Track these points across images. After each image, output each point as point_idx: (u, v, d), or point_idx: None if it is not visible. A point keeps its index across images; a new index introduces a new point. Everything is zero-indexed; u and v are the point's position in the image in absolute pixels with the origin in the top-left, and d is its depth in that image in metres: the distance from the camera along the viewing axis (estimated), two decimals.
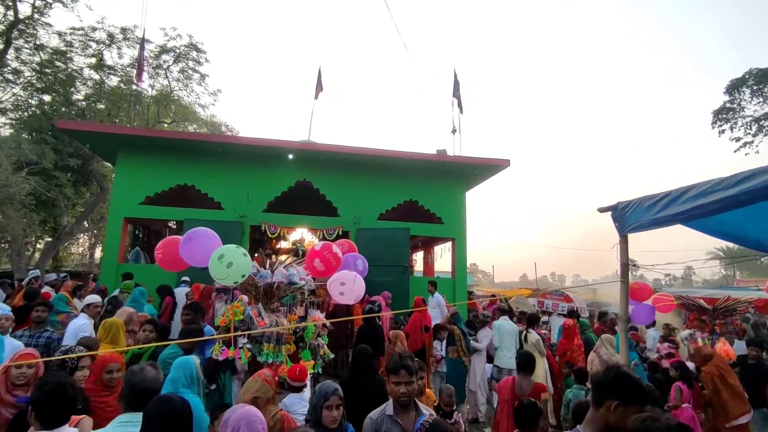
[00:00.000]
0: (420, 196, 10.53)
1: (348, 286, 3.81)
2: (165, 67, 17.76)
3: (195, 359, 3.36)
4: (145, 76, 13.77)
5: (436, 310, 8.92)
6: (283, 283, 4.05)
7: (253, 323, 3.92)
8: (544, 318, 10.36)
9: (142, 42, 11.24)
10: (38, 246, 19.60)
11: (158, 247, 3.98)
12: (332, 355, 4.35)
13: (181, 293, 7.13)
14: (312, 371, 4.12)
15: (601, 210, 3.33)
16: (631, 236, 3.14)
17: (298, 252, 9.98)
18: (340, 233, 9.93)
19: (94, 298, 5.00)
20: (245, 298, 4.30)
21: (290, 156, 9.86)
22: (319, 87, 14.23)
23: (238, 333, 3.87)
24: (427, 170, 10.53)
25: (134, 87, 15.02)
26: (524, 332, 7.02)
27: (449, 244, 11.18)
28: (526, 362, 4.20)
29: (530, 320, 7.01)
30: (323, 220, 10.11)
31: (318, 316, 4.30)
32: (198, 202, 10.02)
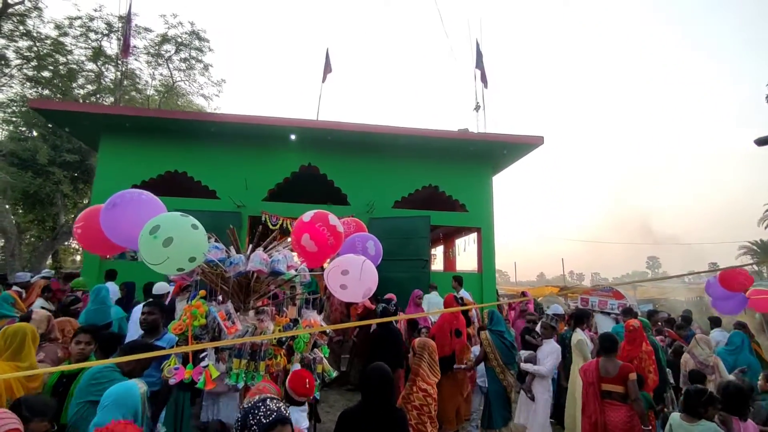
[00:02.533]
0: (441, 180, 9.26)
1: (353, 275, 2.61)
2: (166, 57, 16.88)
3: (140, 387, 2.23)
4: (141, 60, 12.85)
5: None
6: (264, 273, 2.84)
7: (220, 330, 2.73)
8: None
9: (128, 16, 10.24)
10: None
11: (78, 219, 2.81)
12: (334, 374, 3.14)
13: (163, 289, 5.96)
14: None
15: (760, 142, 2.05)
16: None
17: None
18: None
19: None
20: (218, 297, 3.13)
21: (292, 137, 8.70)
22: (328, 69, 13.13)
23: (199, 346, 2.68)
24: (448, 151, 9.26)
25: (121, 64, 14.05)
26: (569, 333, 5.72)
27: (473, 236, 9.90)
28: (609, 343, 3.98)
29: (577, 318, 5.57)
30: (331, 209, 8.76)
31: (314, 320, 3.09)
32: (190, 190, 8.94)
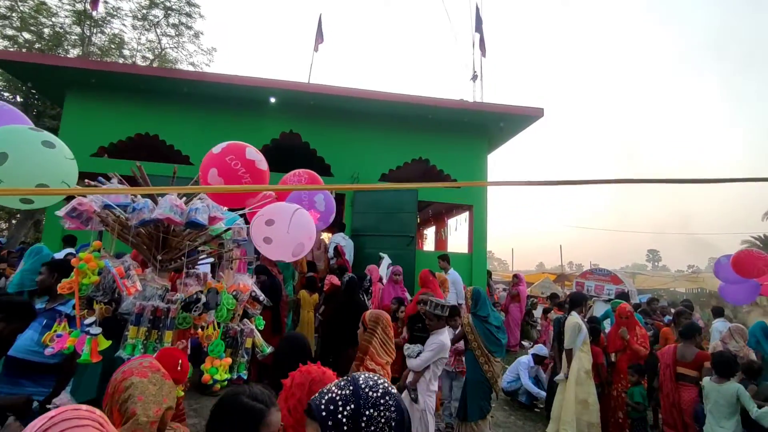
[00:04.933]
0: (432, 153, 8.66)
1: (279, 226, 2.07)
2: (155, 21, 16.10)
3: None
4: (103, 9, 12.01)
5: (451, 290, 7.17)
6: (176, 223, 2.29)
7: (114, 289, 2.19)
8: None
9: None
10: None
11: None
12: (268, 349, 2.61)
13: None
14: (227, 375, 2.38)
15: None
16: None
17: None
18: (334, 196, 8.16)
19: None
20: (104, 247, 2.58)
21: (272, 100, 8.08)
22: (320, 37, 12.44)
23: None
24: (441, 122, 8.63)
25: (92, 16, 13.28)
26: (563, 317, 5.22)
27: (465, 215, 9.35)
28: (689, 330, 4.21)
29: (573, 301, 5.05)
30: None
31: (244, 284, 2.55)
32: (162, 155, 8.36)
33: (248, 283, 2.55)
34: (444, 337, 3.39)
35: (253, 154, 2.25)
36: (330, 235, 9.16)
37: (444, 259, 7.55)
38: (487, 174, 8.93)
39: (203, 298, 2.26)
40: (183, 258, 2.53)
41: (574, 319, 4.67)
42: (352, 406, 0.83)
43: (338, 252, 7.18)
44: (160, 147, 8.14)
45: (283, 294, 5.47)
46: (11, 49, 15.23)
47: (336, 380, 0.92)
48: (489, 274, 9.05)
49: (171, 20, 16.07)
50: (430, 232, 13.67)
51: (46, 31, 15.68)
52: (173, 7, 15.84)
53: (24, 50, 15.51)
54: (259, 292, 2.61)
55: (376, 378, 0.90)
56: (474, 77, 9.37)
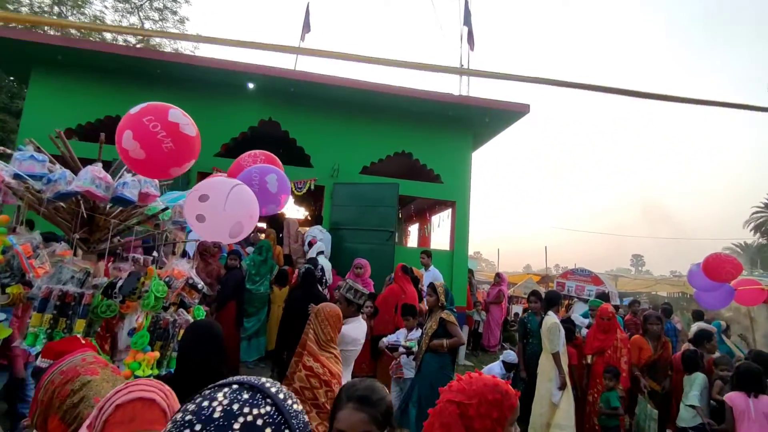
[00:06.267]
0: (415, 147, 8.42)
1: (214, 202, 1.81)
2: (139, 4, 15.59)
3: None
4: None
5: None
6: (98, 198, 2.01)
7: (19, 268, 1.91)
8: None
9: None
10: None
11: None
12: None
13: None
14: (151, 371, 2.12)
15: None
16: None
17: None
18: (312, 187, 7.91)
19: None
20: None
21: (250, 85, 7.76)
22: (306, 28, 12.12)
23: None
24: (425, 116, 8.40)
25: None
26: (531, 316, 5.06)
27: (448, 212, 9.15)
28: (699, 337, 4.39)
29: (548, 300, 4.84)
30: (291, 170, 8.00)
31: (179, 270, 2.28)
32: None
33: (185, 268, 2.28)
34: (348, 327, 2.77)
35: (179, 116, 1.98)
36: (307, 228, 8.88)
37: (426, 254, 7.34)
38: (471, 168, 8.73)
39: (120, 283, 1.99)
40: (118, 239, 2.25)
41: (552, 319, 4.47)
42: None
43: (311, 245, 6.92)
44: None
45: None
46: None
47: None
48: (471, 272, 8.87)
49: (155, 4, 15.58)
50: (413, 229, 13.47)
51: (24, 10, 15.11)
52: None
53: None
54: (197, 279, 2.34)
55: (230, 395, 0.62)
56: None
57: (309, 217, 13.58)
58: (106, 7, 14.96)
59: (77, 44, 7.72)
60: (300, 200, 13.43)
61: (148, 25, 15.83)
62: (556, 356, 4.31)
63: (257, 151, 2.82)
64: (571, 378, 4.51)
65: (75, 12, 15.33)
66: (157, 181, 2.23)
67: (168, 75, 7.57)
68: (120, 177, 2.13)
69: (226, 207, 1.85)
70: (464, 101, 8.11)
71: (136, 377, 2.04)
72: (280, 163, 2.87)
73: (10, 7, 14.81)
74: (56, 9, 15.39)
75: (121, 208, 2.23)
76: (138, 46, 16.27)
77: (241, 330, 5.84)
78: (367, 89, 7.78)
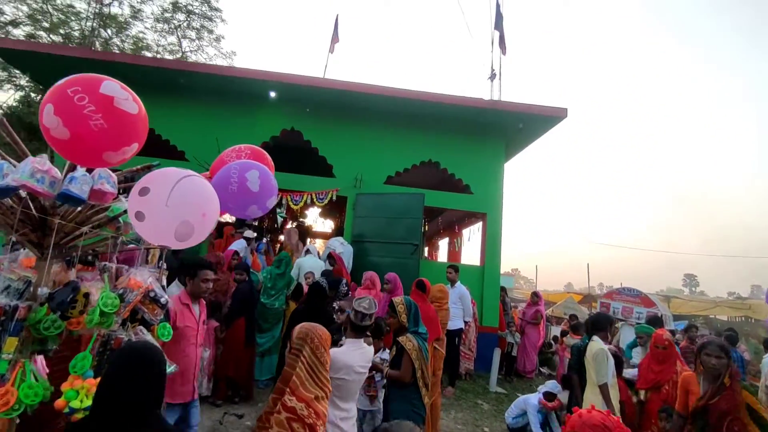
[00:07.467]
0: (443, 156, 7.97)
1: (155, 196, 1.46)
2: (177, 25, 16.19)
3: None
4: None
5: (458, 305, 6.41)
6: (43, 195, 1.71)
7: None
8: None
9: None
10: None
11: None
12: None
13: None
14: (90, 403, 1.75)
15: None
16: None
17: None
18: (334, 198, 7.59)
19: None
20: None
21: (272, 94, 7.61)
22: (335, 38, 12.10)
23: None
24: (453, 122, 7.96)
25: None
26: (580, 344, 4.38)
27: (479, 225, 8.57)
28: None
29: (594, 325, 4.15)
30: (313, 180, 7.79)
31: (136, 280, 1.93)
32: (157, 149, 7.98)
33: (144, 279, 1.94)
34: (338, 351, 2.40)
35: (116, 89, 1.63)
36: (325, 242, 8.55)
37: (454, 269, 6.79)
38: (503, 178, 8.15)
39: (58, 295, 1.65)
40: (78, 245, 1.94)
41: (598, 344, 3.81)
42: None
43: (333, 259, 6.54)
44: (155, 141, 7.77)
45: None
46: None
47: None
48: (504, 290, 8.20)
49: (193, 24, 16.13)
50: (443, 244, 12.89)
51: (75, 34, 16.00)
52: (195, 11, 15.90)
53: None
54: (161, 293, 1.99)
55: None
56: (492, 76, 8.68)
57: (334, 230, 13.32)
58: (146, 27, 15.61)
59: (107, 57, 7.89)
60: (325, 212, 13.20)
61: (185, 44, 16.40)
62: (603, 388, 3.65)
63: (243, 145, 2.48)
64: (623, 416, 3.83)
65: (119, 34, 16.07)
66: (114, 176, 1.91)
67: (193, 86, 7.56)
68: (72, 171, 1.82)
69: (168, 203, 1.49)
70: (496, 106, 7.61)
71: (71, 409, 1.69)
72: (270, 159, 2.52)
73: (62, 31, 15.74)
74: (103, 33, 16.18)
75: (78, 209, 1.93)
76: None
77: (256, 346, 5.52)
78: (392, 95, 7.45)
